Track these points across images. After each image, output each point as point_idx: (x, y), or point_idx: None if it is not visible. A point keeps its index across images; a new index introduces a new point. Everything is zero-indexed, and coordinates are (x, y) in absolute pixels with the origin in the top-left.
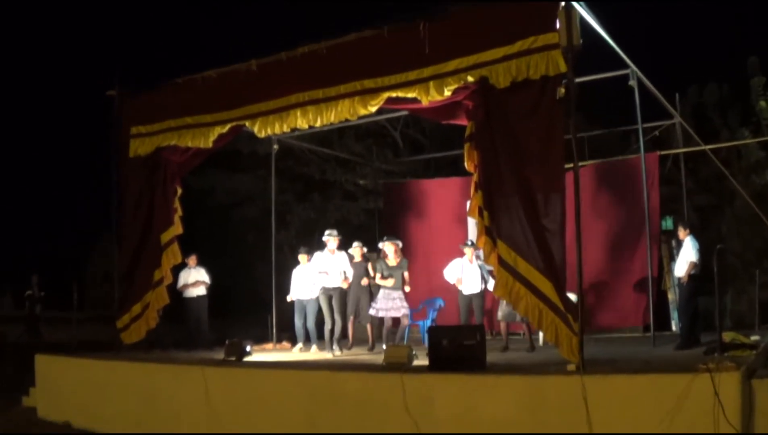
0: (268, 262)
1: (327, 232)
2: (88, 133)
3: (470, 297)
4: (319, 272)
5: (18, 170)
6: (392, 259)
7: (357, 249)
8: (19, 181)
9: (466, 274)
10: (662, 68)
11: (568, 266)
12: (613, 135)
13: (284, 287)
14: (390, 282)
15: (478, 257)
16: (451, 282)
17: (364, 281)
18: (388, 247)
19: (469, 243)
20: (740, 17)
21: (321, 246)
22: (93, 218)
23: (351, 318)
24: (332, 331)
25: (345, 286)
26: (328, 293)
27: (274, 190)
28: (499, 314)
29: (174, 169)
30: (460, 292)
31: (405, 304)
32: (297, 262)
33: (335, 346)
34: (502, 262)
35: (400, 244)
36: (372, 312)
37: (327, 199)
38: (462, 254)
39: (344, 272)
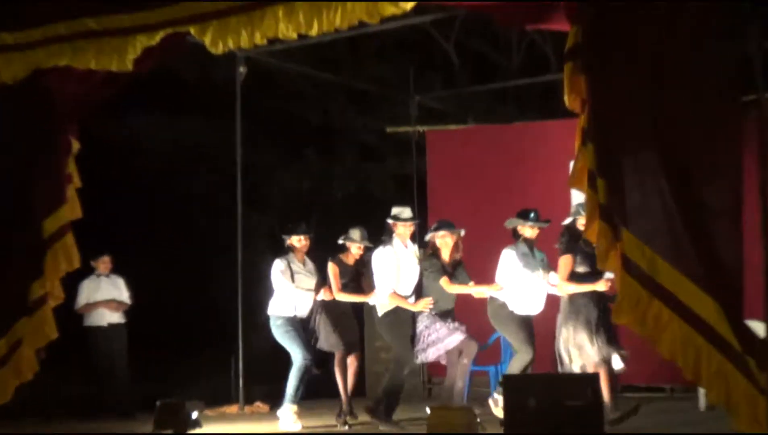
0: (232, 265)
1: (398, 210)
2: None
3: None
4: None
5: None
6: (448, 258)
7: (356, 244)
8: None
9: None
10: None
11: (748, 275)
12: None
13: (259, 305)
14: (469, 289)
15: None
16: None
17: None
18: (444, 240)
19: (532, 215)
20: None
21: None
22: None
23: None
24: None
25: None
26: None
27: (241, 144)
28: (572, 355)
29: (67, 108)
30: (502, 309)
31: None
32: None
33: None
34: (629, 265)
35: (463, 233)
36: (433, 355)
37: (331, 159)
38: (504, 242)
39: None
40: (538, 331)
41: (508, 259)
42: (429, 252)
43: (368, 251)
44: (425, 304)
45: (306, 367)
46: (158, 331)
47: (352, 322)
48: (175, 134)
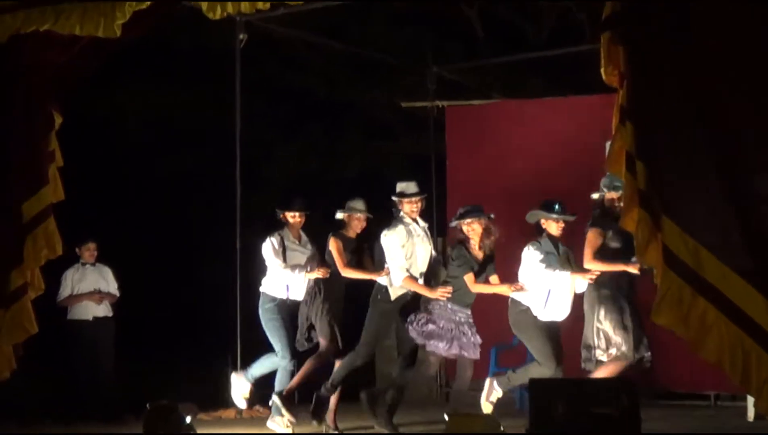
0: (230, 252)
1: (403, 185)
2: None
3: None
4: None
5: None
6: (477, 247)
7: (358, 216)
8: None
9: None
10: None
11: None
12: None
13: (259, 296)
14: (493, 288)
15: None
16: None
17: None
18: (471, 227)
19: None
20: None
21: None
22: None
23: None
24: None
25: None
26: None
27: (240, 118)
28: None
29: (48, 79)
30: (524, 315)
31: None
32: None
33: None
34: (670, 258)
35: (493, 217)
36: (454, 351)
37: (339, 136)
38: (531, 232)
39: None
40: (565, 335)
41: (531, 257)
42: (458, 239)
43: (370, 225)
44: (442, 293)
45: (286, 363)
46: (147, 325)
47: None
48: (168, 108)
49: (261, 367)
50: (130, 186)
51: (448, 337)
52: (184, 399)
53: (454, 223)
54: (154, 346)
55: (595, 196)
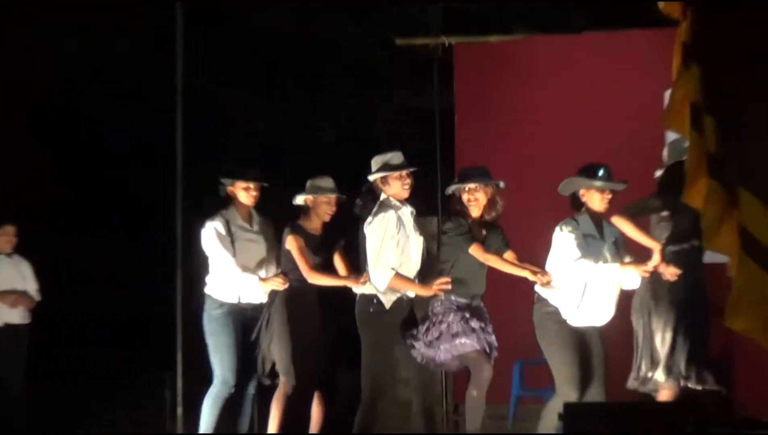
0: (170, 244)
1: (386, 156)
2: None
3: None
4: None
5: None
6: (477, 222)
7: (327, 198)
8: None
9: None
10: None
11: None
12: None
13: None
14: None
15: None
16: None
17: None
18: (473, 195)
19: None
20: None
21: None
22: None
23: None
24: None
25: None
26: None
27: (181, 68)
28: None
29: None
30: (551, 319)
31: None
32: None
33: None
34: (749, 243)
35: (502, 186)
36: (443, 357)
37: (317, 86)
38: (567, 208)
39: None
40: (611, 342)
41: (563, 241)
42: (455, 209)
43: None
44: (439, 286)
45: (225, 394)
46: (65, 334)
47: (320, 333)
48: (96, 57)
49: (208, 416)
50: (51, 153)
51: (468, 329)
52: (109, 429)
53: (452, 188)
54: (73, 363)
55: (658, 173)
